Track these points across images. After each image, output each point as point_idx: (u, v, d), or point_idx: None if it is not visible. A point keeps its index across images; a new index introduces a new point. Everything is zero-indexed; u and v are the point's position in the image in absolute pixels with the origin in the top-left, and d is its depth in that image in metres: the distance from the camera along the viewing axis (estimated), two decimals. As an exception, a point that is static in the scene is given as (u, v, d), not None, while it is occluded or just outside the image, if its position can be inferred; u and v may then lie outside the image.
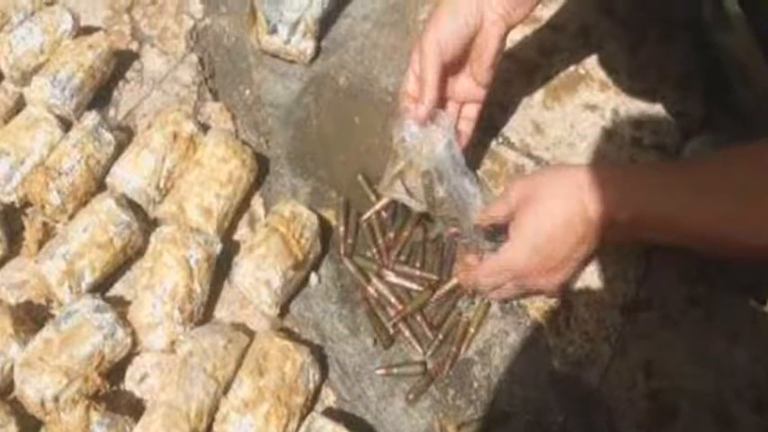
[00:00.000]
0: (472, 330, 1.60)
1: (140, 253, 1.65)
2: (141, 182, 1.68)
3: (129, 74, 1.95)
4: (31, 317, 1.59)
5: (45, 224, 1.70)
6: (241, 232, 1.73)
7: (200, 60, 1.97)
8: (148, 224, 1.70)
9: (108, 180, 1.71)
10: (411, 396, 1.54)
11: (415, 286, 1.65)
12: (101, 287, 1.64)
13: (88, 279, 1.59)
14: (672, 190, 1.37)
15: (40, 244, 1.66)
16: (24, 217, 1.73)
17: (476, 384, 1.55)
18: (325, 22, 1.97)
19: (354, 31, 2.00)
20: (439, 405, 1.54)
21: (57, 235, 1.66)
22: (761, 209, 1.28)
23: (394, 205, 1.70)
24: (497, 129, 1.82)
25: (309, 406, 1.51)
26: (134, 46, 1.99)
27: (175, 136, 1.72)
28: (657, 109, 1.80)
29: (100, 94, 1.88)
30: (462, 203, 1.52)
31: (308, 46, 1.91)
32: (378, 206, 1.71)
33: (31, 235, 1.69)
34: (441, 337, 1.59)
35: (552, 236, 1.42)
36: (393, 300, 1.63)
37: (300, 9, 1.87)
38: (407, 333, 1.60)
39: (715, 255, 1.44)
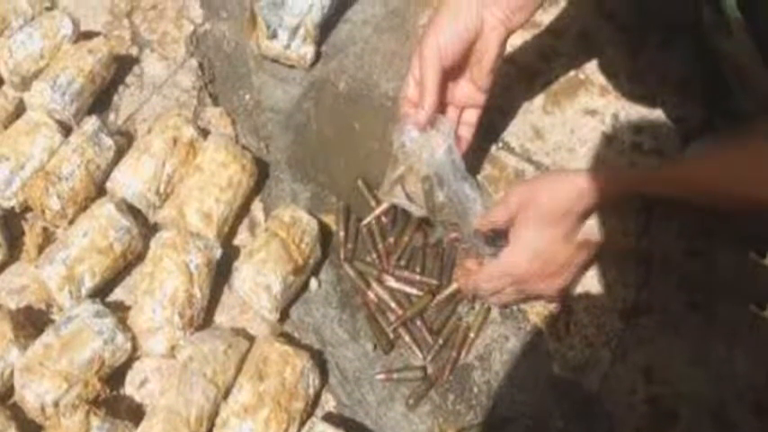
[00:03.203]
0: (472, 335, 1.60)
1: (140, 258, 1.65)
2: (141, 187, 1.68)
3: (129, 78, 1.95)
4: (32, 322, 1.59)
5: (45, 229, 1.70)
6: (241, 237, 1.73)
7: (200, 65, 1.97)
8: (148, 229, 1.70)
9: (108, 185, 1.71)
10: (411, 401, 1.54)
11: (415, 291, 1.65)
12: (101, 292, 1.64)
13: (88, 284, 1.59)
14: (670, 186, 1.37)
15: (41, 249, 1.67)
16: (24, 222, 1.73)
17: (476, 389, 1.55)
18: (325, 27, 1.97)
19: (354, 35, 2.00)
20: (439, 410, 1.54)
21: (57, 240, 1.67)
22: (760, 161, 1.29)
23: (394, 210, 1.71)
24: (497, 134, 1.82)
25: (309, 411, 1.51)
26: (134, 51, 1.99)
27: (175, 141, 1.72)
28: (657, 114, 1.80)
29: (100, 99, 1.88)
30: (462, 208, 1.53)
31: (308, 51, 1.92)
32: (378, 211, 1.71)
33: (31, 240, 1.69)
34: (441, 342, 1.59)
35: (552, 241, 1.43)
36: (393, 305, 1.62)
37: (300, 14, 1.87)
38: (407, 338, 1.60)
39: (715, 209, 1.45)
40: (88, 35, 1.93)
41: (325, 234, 1.70)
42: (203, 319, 1.60)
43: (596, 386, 1.55)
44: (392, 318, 1.62)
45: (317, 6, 1.89)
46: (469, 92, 1.58)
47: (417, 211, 1.61)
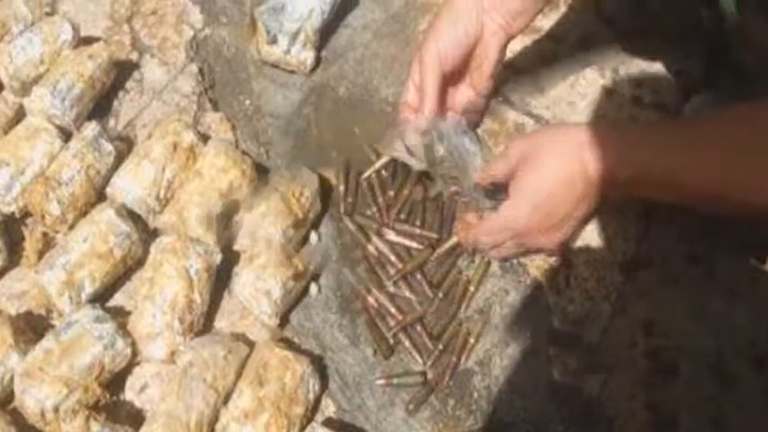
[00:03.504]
0: (472, 289, 1.62)
1: (140, 263, 1.65)
2: (141, 192, 1.68)
3: (129, 84, 1.95)
4: (31, 327, 1.59)
5: (45, 234, 1.70)
6: (241, 243, 1.73)
7: (200, 70, 1.97)
8: (148, 234, 1.70)
9: (108, 190, 1.71)
10: (411, 406, 1.54)
11: (415, 245, 1.67)
12: (101, 297, 1.63)
13: (88, 289, 1.59)
14: (672, 148, 1.37)
15: (40, 254, 1.66)
16: (24, 227, 1.73)
17: (476, 395, 1.55)
18: (325, 33, 1.97)
19: (354, 41, 2.00)
20: (439, 415, 1.54)
21: (57, 245, 1.66)
22: (760, 167, 1.29)
23: (394, 164, 1.72)
24: (497, 87, 1.82)
25: (309, 416, 1.51)
26: (134, 56, 1.99)
27: (175, 146, 1.72)
28: (657, 68, 1.81)
29: (100, 105, 1.88)
30: (462, 162, 1.53)
31: (308, 56, 1.92)
32: (378, 165, 1.73)
33: (30, 245, 1.69)
34: (441, 347, 1.59)
35: (552, 194, 1.43)
36: (393, 310, 1.62)
37: (300, 19, 1.87)
38: (407, 343, 1.60)
39: (715, 213, 1.45)
40: (88, 40, 1.93)
41: (325, 188, 1.72)
42: (203, 325, 1.60)
43: (597, 338, 1.56)
44: (392, 323, 1.62)
45: (317, 11, 1.90)
46: (469, 97, 1.58)
47: (417, 164, 1.62)
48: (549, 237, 1.49)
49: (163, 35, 2.02)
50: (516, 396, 1.55)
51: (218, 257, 1.61)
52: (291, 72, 1.95)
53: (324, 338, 1.62)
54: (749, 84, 1.61)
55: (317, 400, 1.54)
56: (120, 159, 1.75)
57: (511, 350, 1.59)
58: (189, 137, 1.74)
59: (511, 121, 1.80)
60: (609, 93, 1.80)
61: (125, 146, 1.81)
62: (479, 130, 1.77)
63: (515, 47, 1.89)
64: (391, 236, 1.68)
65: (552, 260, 1.63)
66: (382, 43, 1.99)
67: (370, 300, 1.64)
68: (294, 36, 1.88)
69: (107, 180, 1.72)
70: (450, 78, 1.56)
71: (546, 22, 1.94)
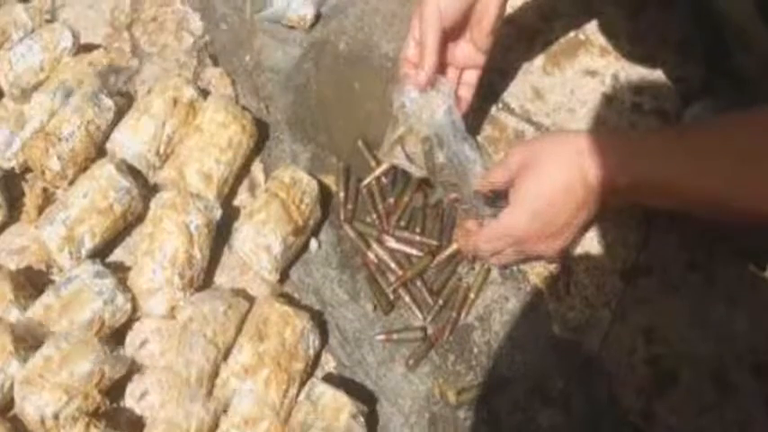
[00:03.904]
0: (472, 296, 1.60)
1: (140, 219, 1.66)
2: (141, 147, 1.68)
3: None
4: (32, 282, 1.60)
5: (45, 190, 1.70)
6: (241, 198, 1.73)
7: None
8: (148, 190, 1.70)
9: (108, 146, 1.72)
10: (411, 362, 1.55)
11: (415, 252, 1.65)
12: (101, 253, 1.64)
13: (88, 245, 1.59)
14: (672, 155, 1.37)
15: (40, 210, 1.67)
16: (24, 183, 1.74)
17: (476, 350, 1.56)
18: (326, -12, 1.97)
19: (354, -4, 2.00)
20: (439, 371, 1.54)
21: (57, 201, 1.67)
22: (761, 174, 1.28)
23: (394, 171, 1.70)
24: (497, 94, 1.82)
25: (309, 372, 1.51)
26: (134, 63, 1.98)
27: (175, 101, 1.71)
28: (658, 74, 1.80)
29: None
30: (462, 169, 1.52)
31: (308, 12, 1.91)
32: (378, 172, 1.71)
33: (31, 201, 1.69)
34: (441, 302, 1.59)
35: (552, 201, 1.42)
36: (393, 265, 1.63)
37: (300, -24, 1.87)
38: (407, 299, 1.60)
39: (715, 221, 1.44)
40: (88, 47, 1.92)
41: (325, 194, 1.70)
42: (203, 280, 1.60)
43: (596, 346, 1.55)
44: (392, 278, 1.62)
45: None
46: (469, 53, 1.58)
47: (417, 171, 1.60)
48: (548, 244, 1.48)
49: (163, 42, 2.00)
50: (516, 351, 1.55)
51: (218, 213, 1.61)
52: (291, 28, 1.94)
53: (324, 294, 1.63)
54: (749, 90, 1.61)
55: (317, 356, 1.54)
56: (120, 115, 1.75)
57: (511, 305, 1.59)
58: (189, 92, 1.74)
59: (511, 128, 1.79)
60: (609, 100, 1.79)
61: (125, 101, 1.81)
62: (479, 137, 1.77)
63: (515, 2, 1.89)
64: (391, 243, 1.67)
65: (552, 267, 1.62)
66: (382, -1, 1.99)
67: (370, 255, 1.64)
68: (294, -9, 1.88)
69: (107, 135, 1.72)
70: (451, 34, 1.55)
71: (546, 26, 1.93)
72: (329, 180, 1.74)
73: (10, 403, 1.50)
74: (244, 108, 1.76)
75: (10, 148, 1.69)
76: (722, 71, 1.71)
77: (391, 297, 1.61)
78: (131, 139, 1.69)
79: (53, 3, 2.04)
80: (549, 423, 1.50)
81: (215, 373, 1.46)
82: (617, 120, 1.76)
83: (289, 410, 1.44)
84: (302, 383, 1.47)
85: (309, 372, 1.51)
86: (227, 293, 1.55)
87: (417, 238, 1.66)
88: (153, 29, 2.03)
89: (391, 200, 1.69)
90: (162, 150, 1.70)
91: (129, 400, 1.55)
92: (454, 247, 1.63)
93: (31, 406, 1.43)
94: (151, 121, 1.69)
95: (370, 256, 1.64)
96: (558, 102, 1.80)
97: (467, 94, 1.61)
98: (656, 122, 1.74)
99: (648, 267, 1.61)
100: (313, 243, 1.66)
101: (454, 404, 1.52)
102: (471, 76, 1.61)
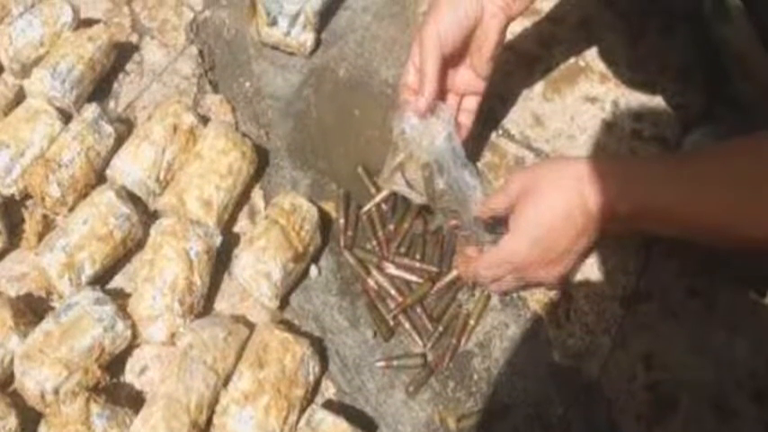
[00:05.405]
0: (472, 322, 1.60)
1: (140, 245, 1.65)
2: (141, 174, 1.68)
3: (129, 66, 1.95)
4: (32, 309, 1.59)
5: (45, 216, 1.70)
6: (241, 224, 1.73)
7: (200, 52, 1.97)
8: (148, 216, 1.70)
9: (108, 172, 1.72)
10: (411, 388, 1.54)
11: (415, 278, 1.65)
12: (101, 279, 1.64)
13: (88, 271, 1.59)
14: (672, 182, 1.37)
15: (41, 236, 1.66)
16: (24, 209, 1.73)
17: (476, 377, 1.56)
18: (325, 14, 1.97)
19: (354, 23, 2.00)
20: (439, 397, 1.54)
21: (57, 227, 1.66)
22: (761, 201, 1.28)
23: (394, 197, 1.71)
24: (497, 121, 1.82)
25: (309, 398, 1.51)
26: (134, 38, 1.99)
27: (175, 128, 1.72)
28: (657, 101, 1.80)
29: (100, 87, 1.88)
30: (462, 195, 1.53)
31: (308, 38, 1.92)
32: (378, 198, 1.71)
33: (31, 227, 1.69)
34: (441, 329, 1.59)
35: (552, 228, 1.42)
36: (393, 292, 1.63)
37: (300, 1, 1.87)
38: (407, 325, 1.60)
39: (715, 247, 1.44)
40: (88, 22, 1.93)
41: (325, 221, 1.70)
42: (203, 307, 1.60)
43: (596, 373, 1.55)
44: (392, 305, 1.62)
45: (317, -7, 1.90)
46: (469, 79, 1.58)
47: (417, 198, 1.61)
48: (548, 271, 1.48)
49: (163, 17, 2.02)
50: (516, 378, 1.55)
51: (218, 239, 1.61)
52: (291, 54, 1.95)
53: (324, 320, 1.63)
54: (749, 116, 1.61)
55: (317, 383, 1.54)
56: (120, 141, 1.75)
57: (511, 332, 1.59)
58: (189, 119, 1.74)
59: (511, 154, 1.79)
60: (609, 126, 1.80)
61: (125, 128, 1.81)
62: (479, 164, 1.78)
63: (515, 28, 1.89)
64: (391, 269, 1.67)
65: (552, 294, 1.62)
66: (382, 25, 1.99)
67: (370, 282, 1.64)
68: (294, 18, 1.88)
69: (107, 162, 1.72)
70: (451, 60, 1.55)
71: (546, 3, 1.94)
72: (329, 207, 1.74)
73: (10, 378, 1.51)
74: (244, 135, 1.76)
75: (10, 175, 1.69)
76: (722, 98, 1.72)
77: (391, 324, 1.61)
78: (131, 166, 1.69)
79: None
80: (550, 450, 1.50)
81: (215, 400, 1.46)
82: (617, 146, 1.77)
83: (289, 437, 1.44)
84: (302, 410, 1.46)
85: (309, 398, 1.51)
86: (227, 320, 1.55)
87: (417, 264, 1.66)
88: (153, 4, 2.06)
89: (391, 226, 1.70)
90: (162, 177, 1.70)
91: (129, 376, 1.56)
92: (454, 273, 1.63)
93: (31, 381, 1.45)
94: (151, 148, 1.69)
95: (370, 282, 1.64)
96: (558, 128, 1.81)
97: (467, 120, 1.61)
98: (656, 149, 1.75)
99: (648, 293, 1.61)
100: (313, 270, 1.66)
101: (454, 431, 1.51)
102: (471, 103, 1.61)
